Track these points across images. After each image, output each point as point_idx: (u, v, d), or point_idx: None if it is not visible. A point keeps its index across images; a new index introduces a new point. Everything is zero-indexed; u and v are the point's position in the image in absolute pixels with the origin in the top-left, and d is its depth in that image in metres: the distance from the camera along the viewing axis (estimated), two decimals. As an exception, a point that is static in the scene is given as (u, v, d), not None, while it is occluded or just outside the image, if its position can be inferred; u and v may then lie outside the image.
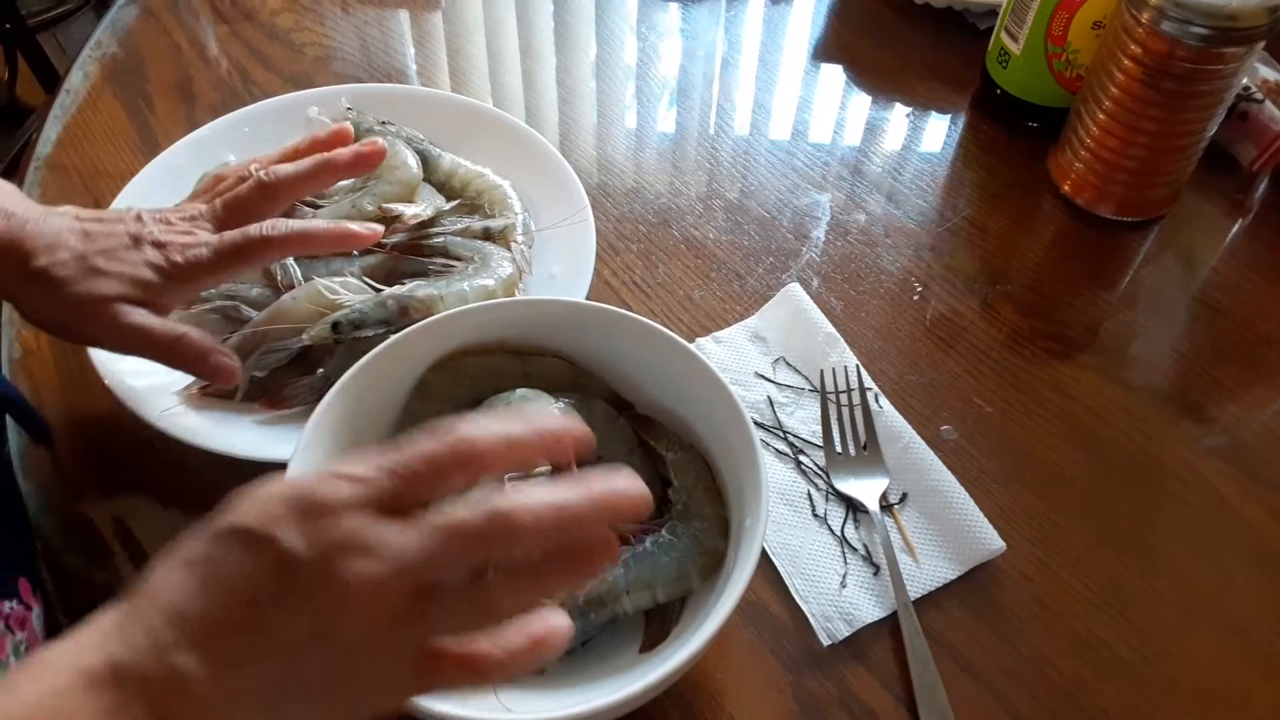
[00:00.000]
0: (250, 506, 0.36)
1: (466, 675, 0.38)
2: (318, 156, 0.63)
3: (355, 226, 0.62)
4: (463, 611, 0.37)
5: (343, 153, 0.63)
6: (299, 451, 0.51)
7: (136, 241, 0.56)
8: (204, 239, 0.57)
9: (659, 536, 0.54)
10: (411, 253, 0.69)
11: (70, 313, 0.55)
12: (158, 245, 0.56)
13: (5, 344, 0.68)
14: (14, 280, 0.55)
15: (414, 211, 0.70)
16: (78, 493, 0.62)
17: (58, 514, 0.61)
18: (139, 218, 0.57)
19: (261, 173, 0.60)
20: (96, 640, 0.35)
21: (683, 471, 0.57)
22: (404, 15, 0.96)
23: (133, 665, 0.34)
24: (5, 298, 0.59)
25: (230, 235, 0.57)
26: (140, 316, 0.55)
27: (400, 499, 0.36)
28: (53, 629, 0.57)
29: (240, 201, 0.60)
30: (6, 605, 0.53)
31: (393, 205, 0.70)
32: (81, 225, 0.56)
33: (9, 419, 0.64)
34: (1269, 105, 0.81)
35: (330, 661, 0.35)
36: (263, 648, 0.35)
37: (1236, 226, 0.81)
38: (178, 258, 0.56)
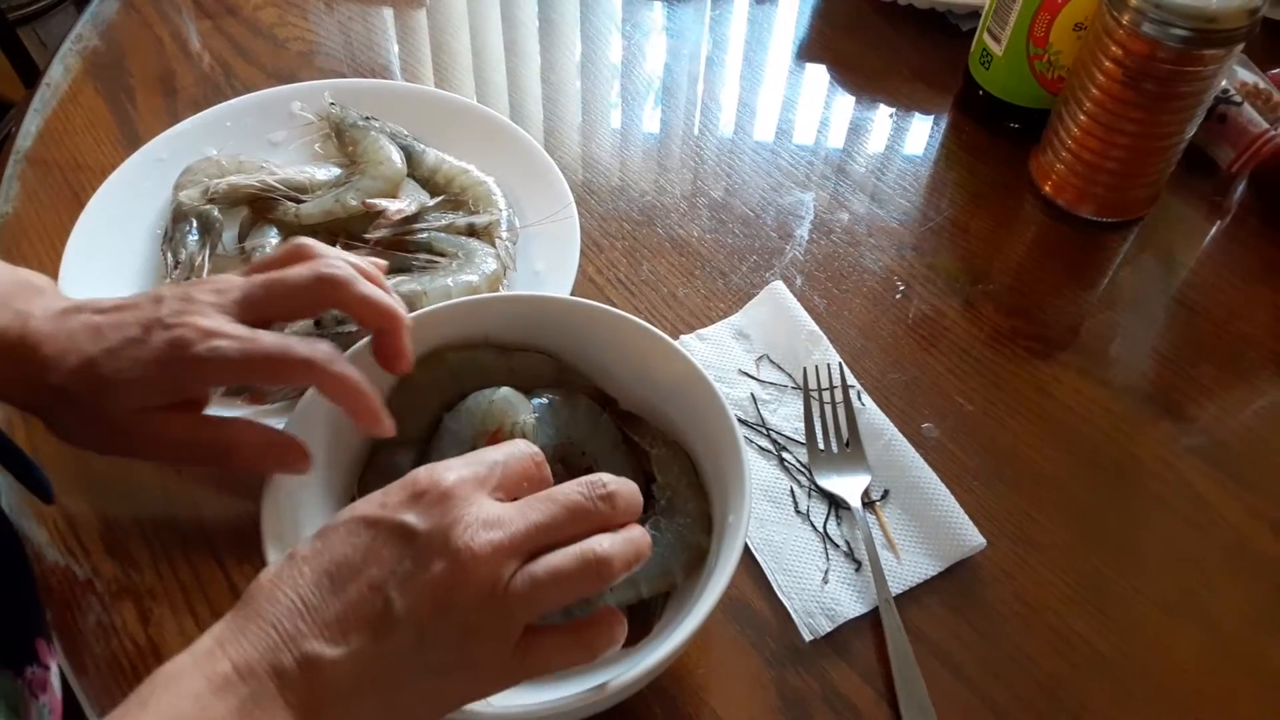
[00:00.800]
0: (361, 504, 0.40)
1: (562, 657, 0.42)
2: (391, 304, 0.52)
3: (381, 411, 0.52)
4: (564, 589, 0.40)
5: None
6: (281, 446, 0.50)
7: (147, 330, 0.48)
8: (230, 330, 0.48)
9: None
10: (395, 248, 0.69)
11: (97, 430, 0.50)
12: (170, 328, 0.47)
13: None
14: (35, 397, 0.49)
15: (398, 207, 0.70)
16: (58, 486, 0.61)
17: (37, 508, 0.60)
18: (158, 298, 0.49)
19: (324, 266, 0.50)
20: (214, 647, 0.36)
21: (666, 467, 0.57)
22: (388, 12, 0.96)
23: (263, 661, 0.36)
24: (34, 414, 0.52)
25: (267, 342, 0.48)
26: (173, 428, 0.50)
27: (503, 488, 0.42)
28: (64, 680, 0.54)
29: (286, 287, 0.50)
30: (29, 670, 0.51)
31: (376, 200, 0.70)
32: (94, 320, 0.49)
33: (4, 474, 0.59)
34: (1247, 108, 0.82)
35: (448, 640, 0.38)
36: (388, 628, 0.37)
37: (1215, 228, 0.82)
38: (194, 348, 0.47)
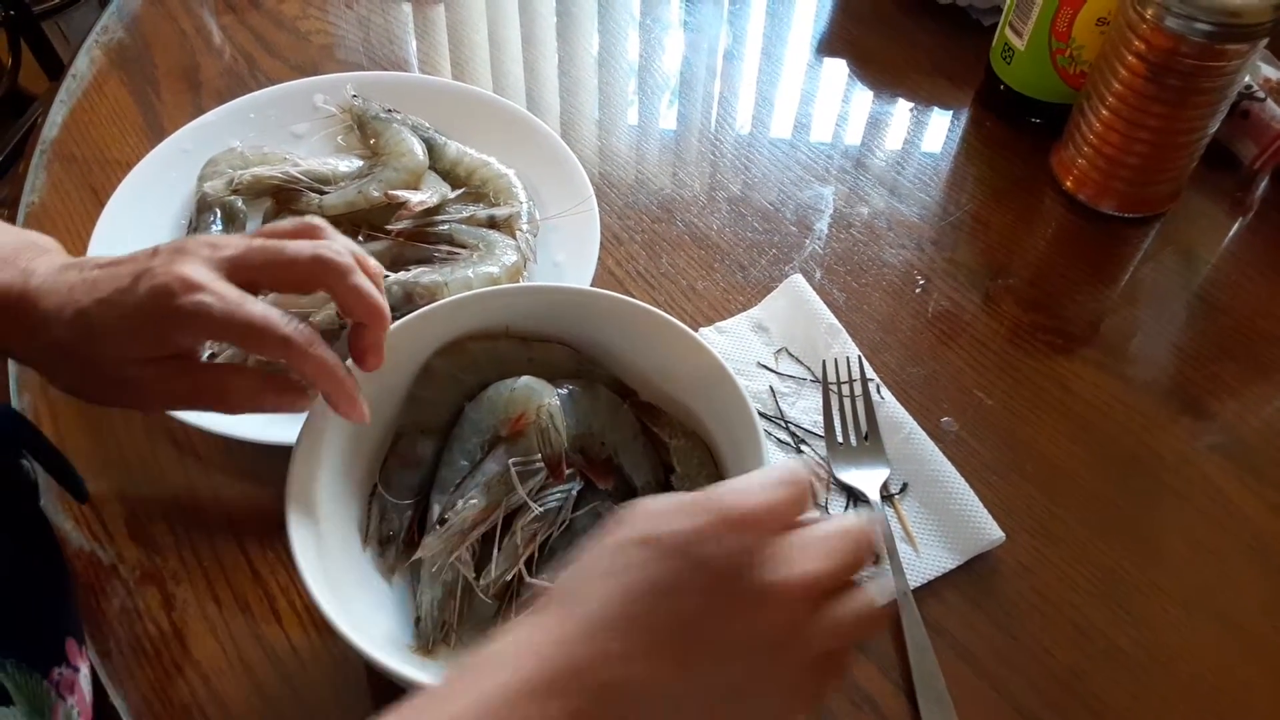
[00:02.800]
0: (668, 520, 0.38)
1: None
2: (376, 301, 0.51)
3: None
4: (854, 613, 0.39)
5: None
6: (303, 435, 0.51)
7: (136, 280, 0.46)
8: (216, 286, 0.47)
9: None
10: (417, 239, 0.70)
11: (95, 382, 0.50)
12: (155, 278, 0.46)
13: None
14: (35, 351, 0.49)
15: (420, 198, 0.70)
16: (83, 472, 0.62)
17: (62, 493, 0.61)
18: (154, 251, 0.48)
19: (326, 249, 0.49)
20: (520, 652, 0.36)
21: (686, 459, 0.57)
22: (407, 6, 0.96)
23: (586, 674, 0.35)
24: (36, 368, 0.52)
25: (253, 309, 0.47)
26: (167, 377, 0.49)
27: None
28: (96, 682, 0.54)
29: (284, 258, 0.49)
30: (56, 671, 0.50)
31: (398, 192, 0.70)
32: (93, 274, 0.48)
33: (41, 471, 0.59)
34: (1271, 104, 0.81)
35: (753, 666, 0.37)
36: (702, 653, 0.36)
37: (1237, 224, 0.81)
38: (177, 300, 0.45)
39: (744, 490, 0.39)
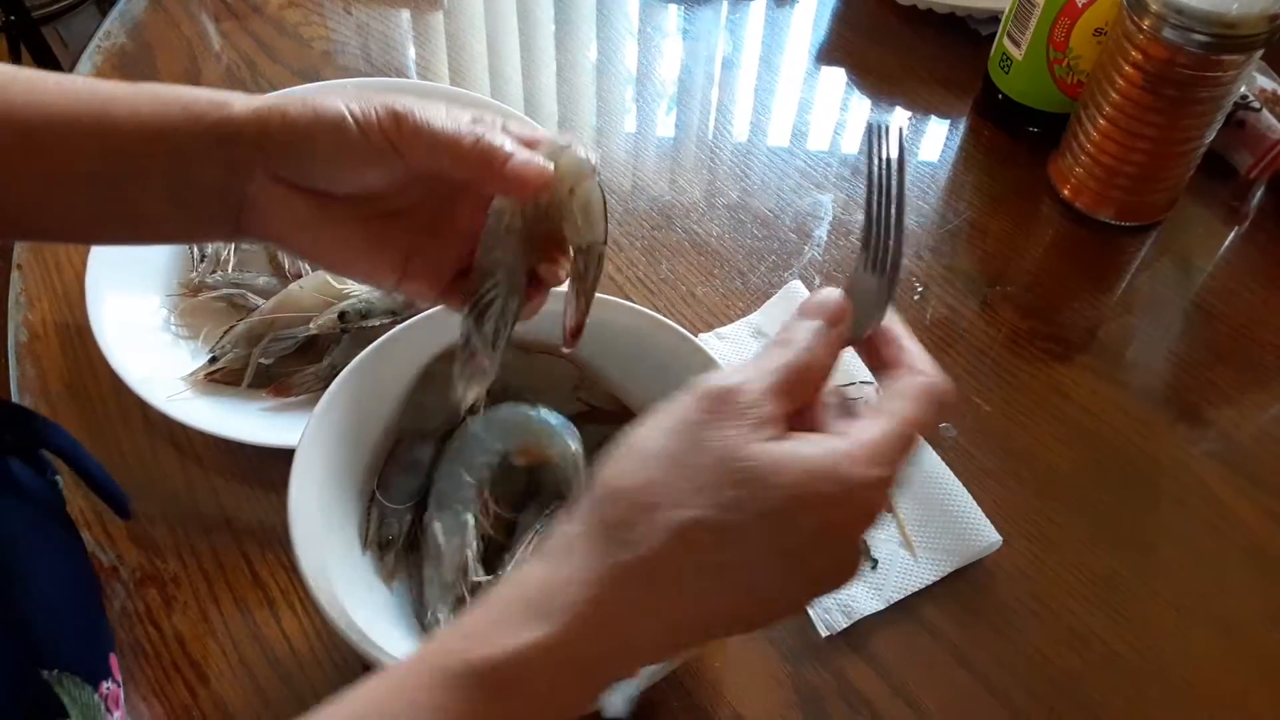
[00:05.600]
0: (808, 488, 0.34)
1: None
2: None
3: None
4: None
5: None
6: (304, 439, 0.51)
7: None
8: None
9: None
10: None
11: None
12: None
13: (11, 328, 0.69)
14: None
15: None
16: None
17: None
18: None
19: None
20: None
21: None
22: (405, 14, 0.96)
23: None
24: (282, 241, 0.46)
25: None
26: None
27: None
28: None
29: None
30: (104, 685, 0.49)
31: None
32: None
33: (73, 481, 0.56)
34: (1266, 114, 0.82)
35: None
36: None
37: (1233, 233, 0.82)
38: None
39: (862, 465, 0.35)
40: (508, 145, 0.43)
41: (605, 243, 0.47)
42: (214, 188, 0.43)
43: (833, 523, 0.34)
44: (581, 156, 0.45)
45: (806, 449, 0.35)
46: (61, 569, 0.51)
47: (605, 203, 0.46)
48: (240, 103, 0.43)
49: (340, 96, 0.43)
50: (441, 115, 0.43)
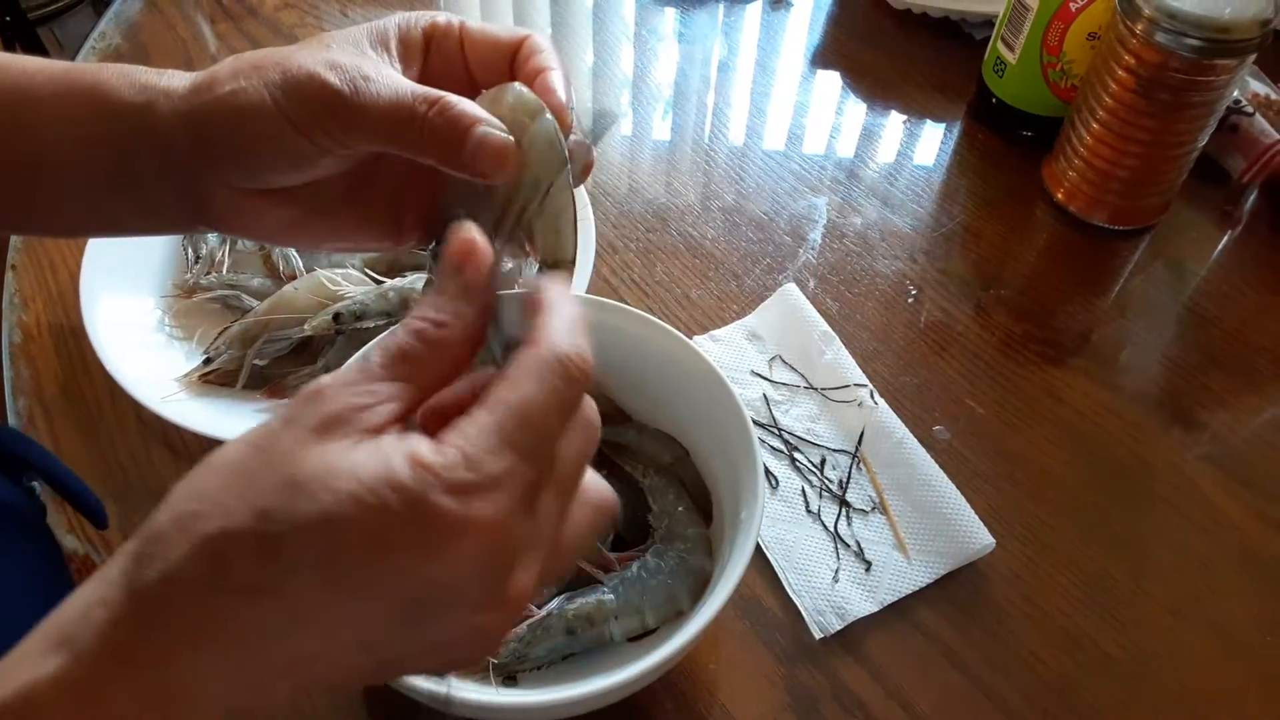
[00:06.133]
0: (361, 518, 0.28)
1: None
2: None
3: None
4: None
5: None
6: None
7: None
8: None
9: (645, 562, 0.54)
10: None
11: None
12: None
13: (5, 329, 0.69)
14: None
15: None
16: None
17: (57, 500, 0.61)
18: None
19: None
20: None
21: (660, 495, 0.57)
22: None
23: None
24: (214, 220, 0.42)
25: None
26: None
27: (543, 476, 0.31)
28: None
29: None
30: None
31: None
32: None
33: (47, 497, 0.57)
34: (1259, 118, 0.82)
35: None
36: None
37: (1226, 237, 0.82)
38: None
39: (478, 483, 0.28)
40: (467, 110, 0.37)
41: (574, 262, 0.39)
42: (156, 183, 0.41)
43: (392, 544, 0.27)
44: (549, 135, 0.38)
45: (365, 451, 0.28)
46: (34, 576, 0.50)
47: (576, 215, 0.39)
48: (165, 104, 0.39)
49: (277, 70, 0.38)
50: (387, 82, 0.37)
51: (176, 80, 0.40)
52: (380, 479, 0.28)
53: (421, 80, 0.39)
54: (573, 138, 0.40)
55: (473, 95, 0.40)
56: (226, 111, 0.38)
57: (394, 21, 0.41)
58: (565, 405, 0.31)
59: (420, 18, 0.41)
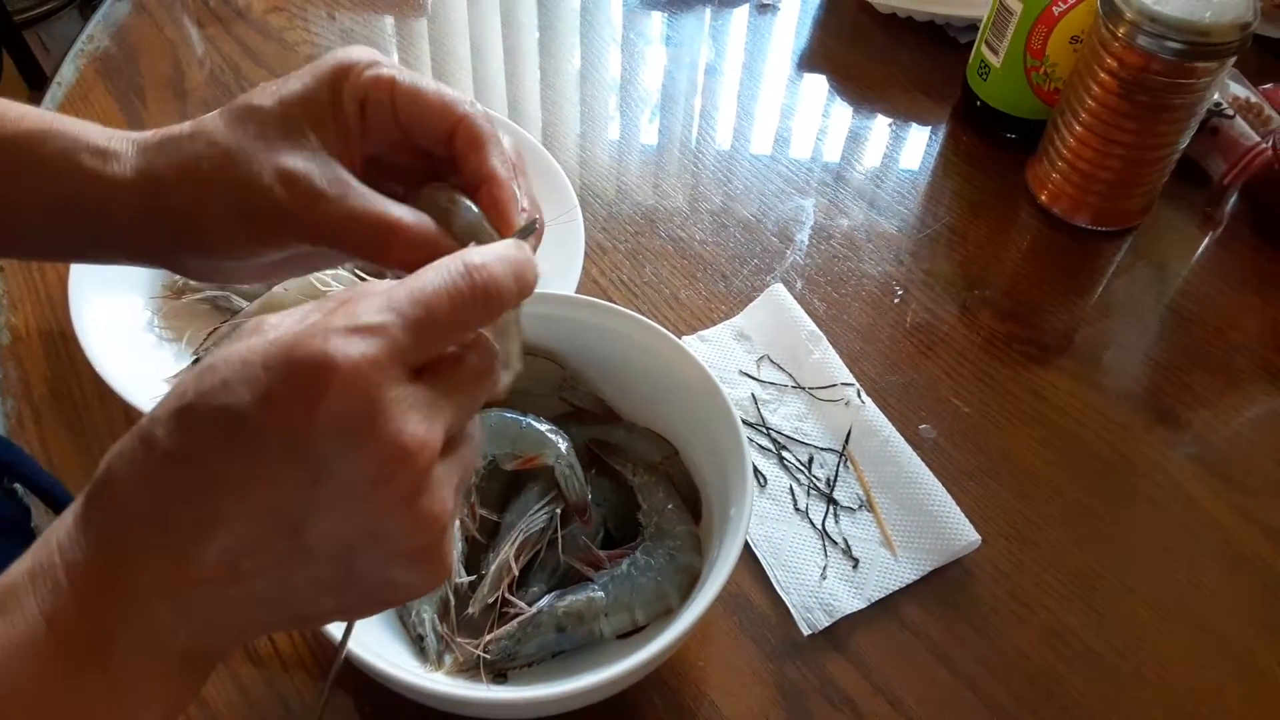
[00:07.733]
0: (248, 377, 0.29)
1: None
2: None
3: None
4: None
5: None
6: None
7: None
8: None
9: (635, 559, 0.55)
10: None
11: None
12: None
13: (-6, 331, 0.69)
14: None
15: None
16: (67, 479, 0.62)
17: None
18: None
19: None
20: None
21: (650, 493, 0.57)
22: (389, 20, 0.97)
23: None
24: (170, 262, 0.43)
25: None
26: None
27: (422, 356, 0.32)
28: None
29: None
30: None
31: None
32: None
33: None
34: (1239, 121, 0.83)
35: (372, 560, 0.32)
36: (290, 567, 0.31)
37: (1208, 238, 0.83)
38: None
39: (349, 330, 0.30)
40: (410, 220, 0.38)
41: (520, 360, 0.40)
42: (130, 255, 0.42)
43: (273, 396, 0.29)
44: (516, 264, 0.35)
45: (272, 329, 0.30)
46: None
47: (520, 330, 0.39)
48: (124, 200, 0.40)
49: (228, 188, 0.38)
50: (339, 180, 0.38)
51: (129, 166, 0.40)
52: (268, 340, 0.29)
53: (361, 146, 0.40)
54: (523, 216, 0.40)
55: (406, 150, 0.40)
56: (180, 219, 0.39)
57: (323, 86, 0.39)
58: (463, 302, 0.32)
59: (354, 73, 0.39)
